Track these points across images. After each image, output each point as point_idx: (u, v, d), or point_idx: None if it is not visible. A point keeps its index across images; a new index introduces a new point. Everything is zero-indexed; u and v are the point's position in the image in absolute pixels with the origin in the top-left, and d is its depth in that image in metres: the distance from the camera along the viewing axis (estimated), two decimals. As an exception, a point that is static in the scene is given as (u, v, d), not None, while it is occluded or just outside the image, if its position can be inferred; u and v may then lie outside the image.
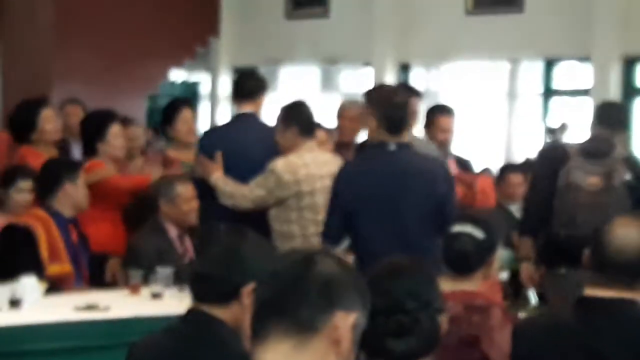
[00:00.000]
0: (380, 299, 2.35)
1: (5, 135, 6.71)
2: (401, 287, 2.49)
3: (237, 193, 5.33)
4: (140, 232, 5.31)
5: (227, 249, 2.80)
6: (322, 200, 5.18)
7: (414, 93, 6.17)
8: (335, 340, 1.85)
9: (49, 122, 5.92)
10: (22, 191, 5.49)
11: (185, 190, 5.32)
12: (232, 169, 5.49)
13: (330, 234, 4.65)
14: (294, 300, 1.85)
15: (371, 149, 4.84)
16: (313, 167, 5.28)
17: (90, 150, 5.82)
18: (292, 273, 1.89)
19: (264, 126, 5.73)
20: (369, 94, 4.87)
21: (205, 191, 5.40)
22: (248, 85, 5.78)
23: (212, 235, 2.92)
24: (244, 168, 5.46)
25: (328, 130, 6.04)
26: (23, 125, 5.93)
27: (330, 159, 5.41)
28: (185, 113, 6.10)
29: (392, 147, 4.62)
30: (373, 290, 2.02)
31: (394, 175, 4.62)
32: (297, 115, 5.42)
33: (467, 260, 3.50)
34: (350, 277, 1.92)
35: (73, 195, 5.12)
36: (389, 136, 4.63)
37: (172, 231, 5.29)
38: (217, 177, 5.41)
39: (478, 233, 3.53)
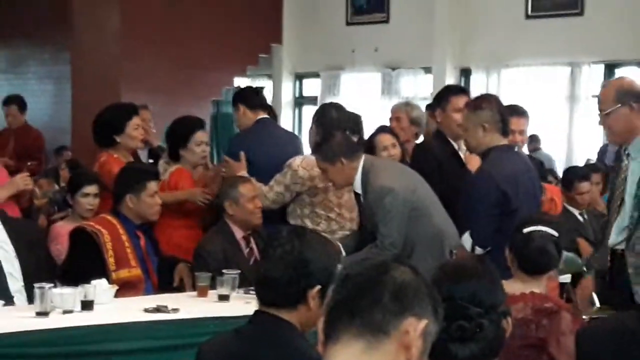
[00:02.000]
0: (443, 304, 2.39)
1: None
2: (464, 291, 2.43)
3: (259, 192, 5.54)
4: (208, 235, 5.42)
5: (292, 252, 2.84)
6: (334, 198, 5.51)
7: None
8: (405, 345, 1.86)
9: (137, 129, 5.94)
10: (87, 196, 5.68)
11: (248, 190, 5.41)
12: (257, 171, 5.80)
13: (486, 238, 4.77)
14: (366, 304, 1.87)
15: (501, 152, 4.91)
16: None
17: (174, 156, 5.99)
18: (366, 277, 1.93)
19: (282, 130, 6.16)
20: (483, 100, 5.05)
21: None
22: (261, 96, 6.29)
23: (276, 239, 2.93)
24: (266, 169, 5.76)
25: (396, 135, 6.11)
26: (110, 129, 5.91)
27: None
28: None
29: (515, 148, 4.97)
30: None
31: (531, 174, 4.97)
32: (322, 117, 5.77)
33: (546, 258, 3.53)
34: (424, 285, 1.94)
35: (134, 207, 5.15)
36: (503, 138, 4.91)
37: (238, 233, 5.39)
38: None
39: (553, 232, 3.58)
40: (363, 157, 5.19)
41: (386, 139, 5.91)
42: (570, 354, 3.31)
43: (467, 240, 4.86)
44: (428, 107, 6.56)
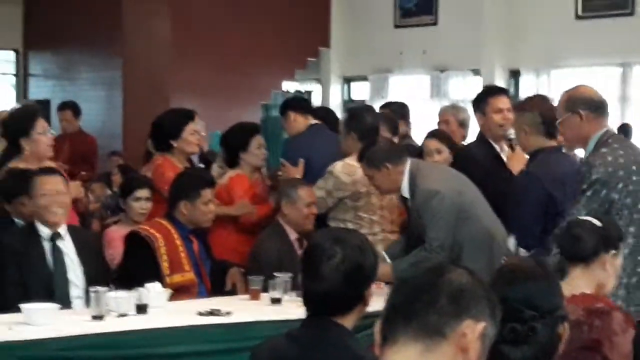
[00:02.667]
0: None
1: None
2: (518, 294, 2.40)
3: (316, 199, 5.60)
4: (263, 235, 5.50)
5: (343, 262, 2.82)
6: (376, 200, 5.57)
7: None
8: (462, 348, 1.87)
9: (193, 135, 5.96)
10: (139, 200, 5.74)
11: (306, 194, 5.49)
12: (310, 175, 5.92)
13: (531, 240, 4.82)
14: (423, 307, 1.88)
15: (548, 154, 4.97)
16: None
17: (232, 161, 6.07)
18: (423, 280, 1.94)
19: (334, 135, 6.17)
20: (527, 103, 5.09)
21: None
22: (309, 102, 6.40)
23: (319, 252, 2.88)
24: (319, 174, 5.82)
25: (445, 138, 6.09)
26: (167, 133, 5.94)
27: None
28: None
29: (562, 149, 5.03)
30: None
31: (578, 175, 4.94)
32: (357, 122, 5.74)
33: (581, 244, 3.47)
34: (481, 288, 1.94)
35: (188, 214, 5.18)
36: (548, 140, 4.96)
37: (292, 234, 5.47)
38: None
39: (596, 222, 3.56)
40: (409, 161, 5.21)
41: (431, 144, 5.89)
42: (625, 355, 3.28)
43: (511, 242, 4.90)
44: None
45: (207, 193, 5.23)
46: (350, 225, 5.56)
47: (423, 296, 1.90)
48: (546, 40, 10.89)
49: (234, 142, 6.10)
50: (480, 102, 5.69)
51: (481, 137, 5.71)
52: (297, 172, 6.01)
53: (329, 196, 5.65)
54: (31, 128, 5.47)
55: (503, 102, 5.65)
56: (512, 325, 2.36)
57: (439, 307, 1.88)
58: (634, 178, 4.43)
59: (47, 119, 6.02)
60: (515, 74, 11.42)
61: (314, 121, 6.41)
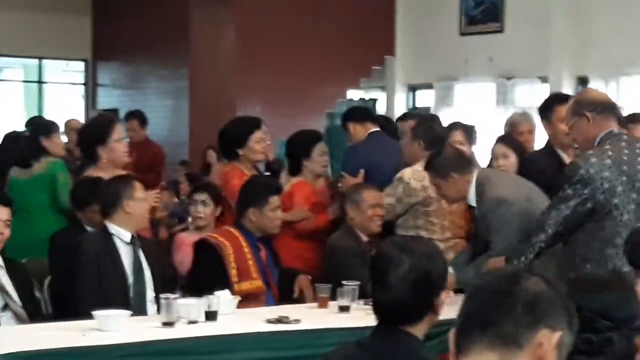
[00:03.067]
0: None
1: None
2: (593, 304, 2.36)
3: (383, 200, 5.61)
4: (335, 235, 5.55)
5: (411, 270, 2.82)
6: (446, 205, 5.56)
7: None
8: (539, 357, 1.85)
9: (259, 143, 5.99)
10: (196, 203, 5.78)
11: (371, 197, 5.51)
12: (371, 182, 5.89)
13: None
14: (499, 315, 1.86)
15: None
16: None
17: (295, 168, 6.13)
18: (497, 289, 1.91)
19: (394, 142, 6.29)
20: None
21: None
22: (367, 110, 6.53)
23: (385, 261, 2.89)
24: (380, 181, 5.85)
25: (513, 144, 6.05)
26: (233, 142, 5.98)
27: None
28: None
29: None
30: None
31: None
32: (425, 131, 5.78)
33: None
34: (557, 296, 1.92)
35: (256, 221, 5.23)
36: None
37: (364, 237, 5.52)
38: None
39: None
40: (476, 170, 5.18)
41: (498, 149, 5.89)
42: None
43: None
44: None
45: (274, 200, 5.27)
46: (422, 232, 5.59)
47: (499, 304, 1.88)
48: (615, 47, 10.75)
49: (296, 150, 6.16)
50: (547, 110, 5.64)
51: (548, 145, 5.66)
52: (357, 183, 6.01)
53: (399, 203, 5.66)
54: (108, 135, 5.56)
55: None
56: (586, 335, 2.32)
57: (515, 315, 1.85)
58: (624, 178, 4.42)
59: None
60: (583, 82, 11.28)
61: (373, 129, 6.44)
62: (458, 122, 8.03)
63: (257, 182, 5.55)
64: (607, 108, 4.60)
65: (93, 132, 5.67)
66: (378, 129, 6.48)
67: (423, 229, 5.62)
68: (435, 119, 6.29)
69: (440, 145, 5.55)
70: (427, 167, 5.30)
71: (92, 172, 5.54)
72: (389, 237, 4.86)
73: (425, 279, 2.82)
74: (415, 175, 5.65)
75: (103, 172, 5.45)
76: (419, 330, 2.85)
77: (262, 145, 6.01)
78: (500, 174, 5.51)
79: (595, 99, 4.64)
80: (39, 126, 7.78)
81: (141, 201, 5.00)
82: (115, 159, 5.58)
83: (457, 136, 6.20)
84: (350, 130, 6.49)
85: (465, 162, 5.23)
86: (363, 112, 6.79)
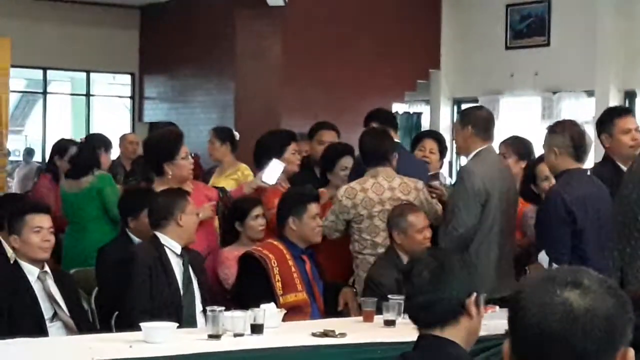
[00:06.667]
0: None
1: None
2: None
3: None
4: (378, 263, 5.38)
5: (437, 270, 2.91)
6: (380, 223, 5.60)
7: None
8: None
9: (294, 154, 6.18)
10: (257, 218, 5.79)
11: (417, 220, 5.34)
12: None
13: (561, 255, 4.97)
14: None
15: (572, 174, 5.13)
16: (371, 192, 5.66)
17: (323, 180, 6.27)
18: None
19: (410, 155, 6.40)
20: (558, 125, 5.28)
21: None
22: (394, 118, 6.66)
23: (416, 264, 3.00)
24: None
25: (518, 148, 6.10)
26: (269, 152, 6.08)
27: (399, 184, 5.71)
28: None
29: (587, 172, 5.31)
30: None
31: (602, 197, 5.19)
32: (360, 145, 5.90)
33: None
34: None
35: (297, 230, 5.27)
36: (575, 163, 5.14)
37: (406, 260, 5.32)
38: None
39: None
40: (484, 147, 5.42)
41: (544, 170, 5.78)
42: None
43: (543, 258, 5.02)
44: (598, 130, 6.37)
45: (313, 207, 5.33)
46: (356, 245, 5.70)
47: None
48: (662, 60, 10.66)
49: (323, 163, 6.38)
50: (606, 124, 5.63)
51: (607, 157, 5.64)
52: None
53: (338, 219, 5.74)
54: (176, 153, 5.61)
55: (631, 122, 5.62)
56: None
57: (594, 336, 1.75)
58: None
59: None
60: (630, 95, 11.19)
61: (394, 139, 6.26)
62: (430, 131, 8.10)
63: (294, 192, 5.62)
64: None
65: (162, 148, 5.71)
66: (398, 140, 6.37)
67: (357, 242, 5.71)
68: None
69: (377, 160, 5.75)
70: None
71: (158, 185, 5.59)
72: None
73: (449, 277, 2.89)
74: (347, 193, 5.69)
75: (167, 186, 5.48)
76: (457, 335, 2.87)
77: (296, 157, 6.21)
78: (492, 156, 5.58)
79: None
80: (99, 141, 7.91)
81: (193, 216, 5.06)
82: (181, 175, 5.62)
83: (428, 144, 6.20)
84: None
85: (487, 130, 5.51)
86: (388, 117, 6.69)
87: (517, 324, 1.77)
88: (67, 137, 9.72)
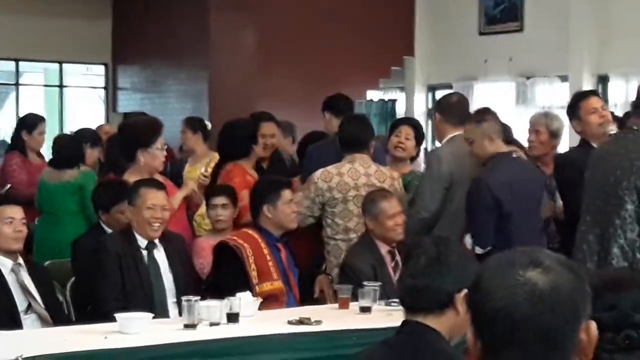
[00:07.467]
0: (607, 314, 2.28)
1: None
2: (628, 301, 2.34)
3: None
4: (354, 250, 5.37)
5: (437, 257, 2.91)
6: (354, 208, 5.60)
7: None
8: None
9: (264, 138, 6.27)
10: (215, 207, 5.75)
11: (389, 206, 5.29)
12: None
13: (485, 239, 5.20)
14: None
15: (500, 159, 5.37)
16: (347, 177, 5.67)
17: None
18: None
19: None
20: (484, 114, 5.56)
21: None
22: (349, 104, 6.63)
23: (418, 248, 3.00)
24: None
25: (520, 146, 6.07)
26: (246, 139, 6.17)
27: (375, 172, 5.73)
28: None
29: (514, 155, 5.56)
30: (596, 305, 2.00)
31: (529, 180, 5.48)
32: (339, 131, 5.92)
33: None
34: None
35: (272, 217, 5.25)
36: (505, 146, 5.45)
37: (383, 247, 5.29)
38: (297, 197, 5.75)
39: None
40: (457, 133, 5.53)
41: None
42: None
43: (467, 240, 5.23)
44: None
45: (286, 193, 5.32)
46: (328, 230, 5.70)
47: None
48: (635, 44, 10.69)
49: (298, 150, 6.61)
50: (574, 109, 5.73)
51: (583, 141, 5.71)
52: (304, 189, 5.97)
53: (313, 203, 5.71)
54: (153, 142, 5.57)
55: (596, 102, 5.72)
56: (626, 332, 2.31)
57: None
58: None
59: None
60: (604, 80, 11.24)
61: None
62: (407, 118, 8.16)
63: (267, 179, 5.65)
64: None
65: (139, 134, 5.67)
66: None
67: (329, 228, 5.70)
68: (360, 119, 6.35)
69: (354, 146, 5.79)
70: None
71: (130, 174, 5.55)
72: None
73: (445, 268, 2.89)
74: (323, 175, 5.69)
75: (139, 175, 5.45)
76: (440, 326, 2.87)
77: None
78: (460, 145, 5.59)
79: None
80: (86, 136, 7.85)
81: (146, 210, 4.98)
82: (153, 165, 5.59)
83: (404, 131, 6.23)
84: (326, 118, 6.48)
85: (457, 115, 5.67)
86: (343, 103, 6.61)
87: (482, 309, 1.77)
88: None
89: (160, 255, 5.02)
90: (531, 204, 5.37)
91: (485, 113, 5.58)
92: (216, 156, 6.82)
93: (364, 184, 5.65)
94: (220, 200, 5.75)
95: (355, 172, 5.70)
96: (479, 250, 5.14)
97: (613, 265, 4.40)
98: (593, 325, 1.80)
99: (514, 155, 5.47)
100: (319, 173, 5.73)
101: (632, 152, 4.58)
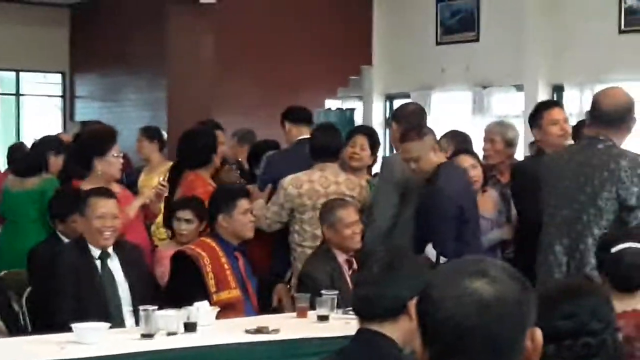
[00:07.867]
0: (566, 322, 2.35)
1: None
2: (586, 309, 2.40)
3: (260, 215, 5.67)
4: (312, 258, 5.36)
5: (387, 266, 2.95)
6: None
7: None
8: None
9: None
10: (180, 220, 5.75)
11: (346, 215, 5.28)
12: None
13: (449, 249, 5.16)
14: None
15: (450, 169, 5.42)
16: (317, 184, 5.73)
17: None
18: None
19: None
20: (421, 128, 5.51)
21: None
22: (308, 114, 6.57)
23: (371, 257, 3.05)
24: None
25: (476, 155, 6.10)
26: (207, 149, 6.20)
27: (344, 180, 5.82)
28: None
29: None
30: (555, 313, 2.03)
31: (471, 187, 5.64)
32: (310, 139, 5.99)
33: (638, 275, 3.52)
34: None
35: (228, 226, 5.26)
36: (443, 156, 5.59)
37: (340, 256, 5.28)
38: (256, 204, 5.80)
39: None
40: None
41: (465, 161, 5.84)
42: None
43: (430, 251, 5.17)
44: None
45: (243, 203, 5.33)
46: (295, 236, 5.74)
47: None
48: (590, 54, 10.81)
49: (249, 159, 6.74)
50: (536, 117, 5.77)
51: (539, 151, 5.74)
52: (261, 197, 6.05)
53: (282, 209, 5.76)
54: (108, 150, 5.55)
55: (559, 113, 5.78)
56: (585, 340, 2.37)
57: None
58: None
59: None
60: (558, 89, 11.34)
61: (306, 135, 6.25)
62: (361, 126, 8.23)
63: (223, 189, 5.66)
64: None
65: (94, 142, 5.64)
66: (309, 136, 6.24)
67: (296, 234, 5.75)
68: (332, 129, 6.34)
69: (325, 155, 5.87)
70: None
71: (86, 183, 5.52)
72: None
73: (398, 275, 2.91)
74: (294, 182, 5.75)
75: (96, 184, 5.42)
76: (394, 334, 2.89)
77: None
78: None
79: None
80: (50, 144, 7.80)
81: (96, 219, 4.93)
82: (110, 173, 5.57)
83: (359, 140, 6.27)
84: (286, 128, 6.47)
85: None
86: (302, 114, 6.61)
87: (431, 319, 1.80)
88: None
89: (114, 264, 4.98)
90: (477, 209, 5.46)
91: (419, 129, 5.49)
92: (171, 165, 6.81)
93: (334, 192, 5.70)
94: (184, 214, 5.75)
95: (326, 180, 5.75)
96: (444, 260, 5.10)
97: (593, 275, 4.39)
98: (538, 332, 1.82)
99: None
100: (289, 179, 5.76)
101: (610, 163, 4.60)
